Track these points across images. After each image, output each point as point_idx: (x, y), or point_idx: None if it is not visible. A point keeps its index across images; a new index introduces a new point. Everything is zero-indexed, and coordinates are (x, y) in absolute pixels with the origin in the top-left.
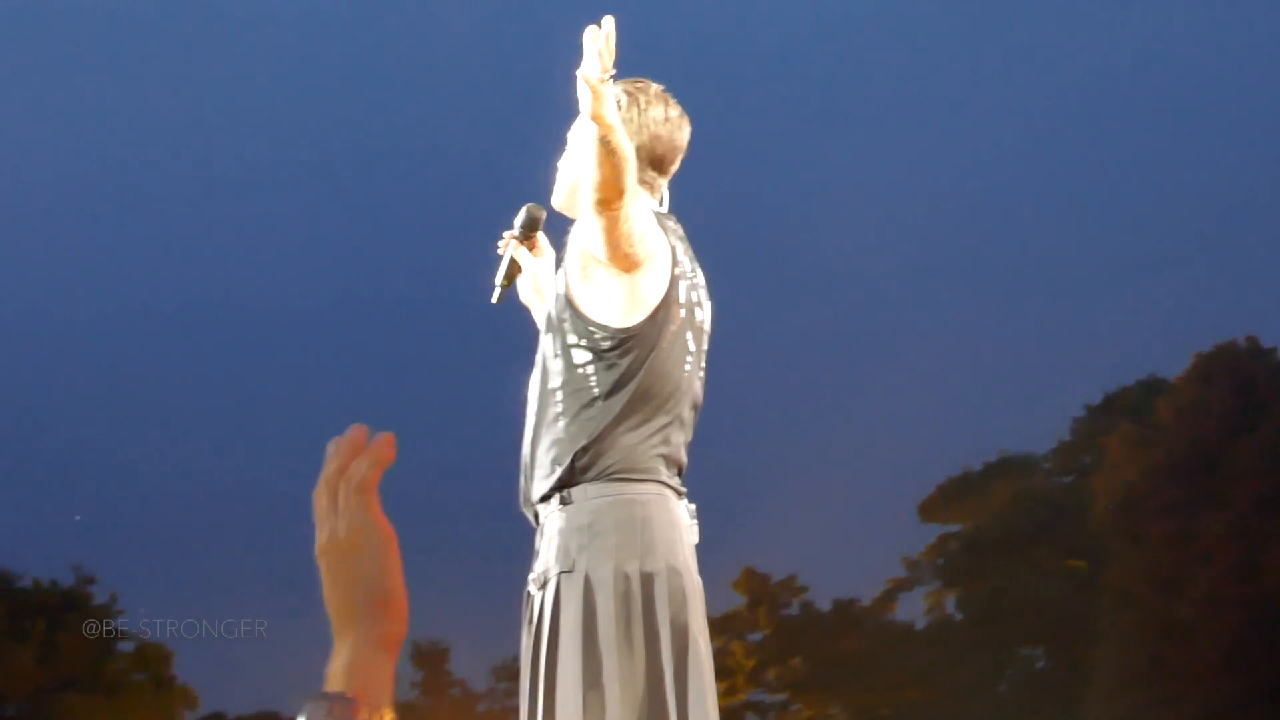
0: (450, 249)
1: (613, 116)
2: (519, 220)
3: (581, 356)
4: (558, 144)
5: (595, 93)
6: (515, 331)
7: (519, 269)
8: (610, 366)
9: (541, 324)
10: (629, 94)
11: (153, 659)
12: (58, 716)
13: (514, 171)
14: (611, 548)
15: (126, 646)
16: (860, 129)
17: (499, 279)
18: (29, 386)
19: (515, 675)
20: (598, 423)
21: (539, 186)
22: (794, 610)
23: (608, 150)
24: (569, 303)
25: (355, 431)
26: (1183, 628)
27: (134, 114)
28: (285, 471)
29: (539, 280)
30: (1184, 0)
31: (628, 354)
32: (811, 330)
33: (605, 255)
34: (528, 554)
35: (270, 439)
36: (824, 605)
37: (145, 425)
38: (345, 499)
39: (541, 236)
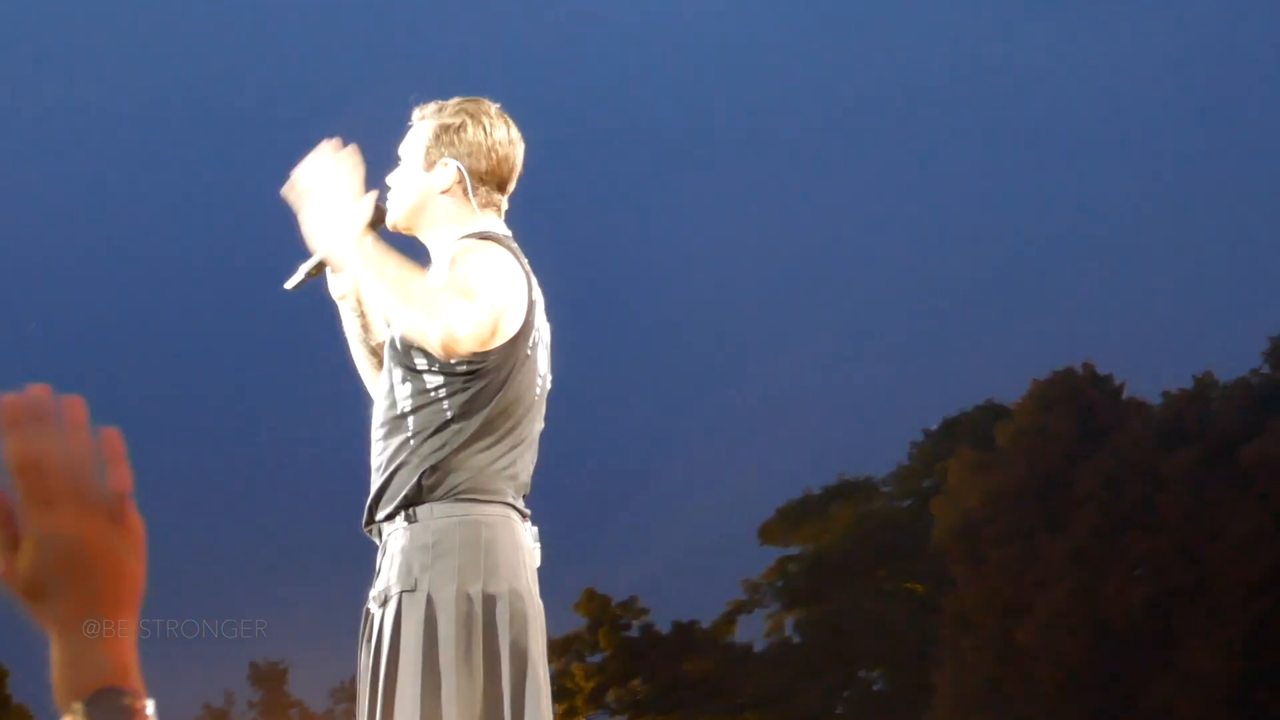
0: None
1: (351, 241)
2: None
3: (433, 380)
4: (391, 160)
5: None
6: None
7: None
8: (464, 390)
9: (388, 342)
10: (470, 115)
11: None
12: None
13: None
14: (455, 568)
15: None
16: (716, 162)
17: (307, 265)
18: None
19: (354, 696)
20: (449, 444)
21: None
22: (634, 632)
23: (400, 293)
24: None
25: (46, 401)
26: (1021, 652)
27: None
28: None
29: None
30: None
31: (483, 378)
32: (656, 353)
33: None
34: (369, 574)
35: None
36: (664, 627)
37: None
38: (102, 498)
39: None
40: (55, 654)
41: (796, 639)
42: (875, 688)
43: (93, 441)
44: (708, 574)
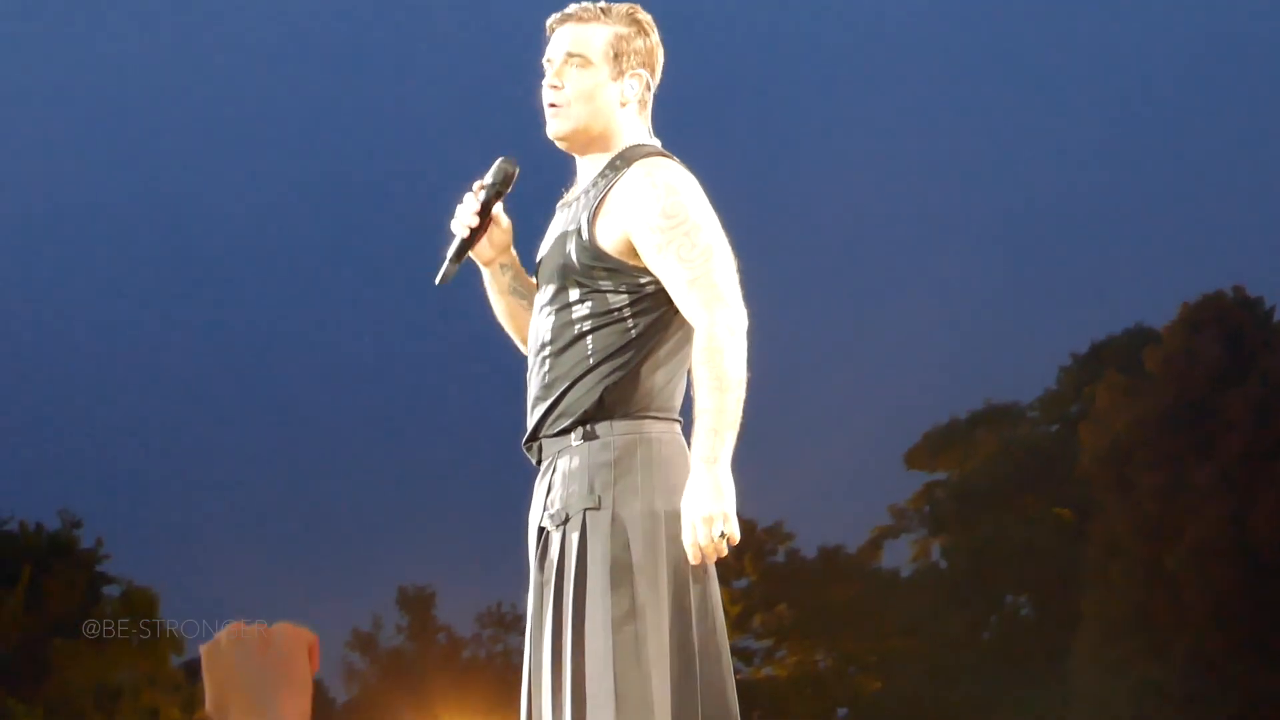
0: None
1: (730, 500)
2: (494, 175)
3: (618, 300)
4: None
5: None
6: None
7: (480, 238)
8: (651, 309)
9: (542, 275)
10: (639, 23)
11: (139, 603)
12: (45, 662)
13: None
14: (638, 485)
15: (113, 590)
16: (857, 80)
17: (451, 252)
18: (16, 335)
19: (500, 621)
20: (630, 362)
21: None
22: (780, 557)
23: (737, 395)
24: (600, 252)
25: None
26: (1170, 578)
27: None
28: (269, 415)
29: (494, 238)
30: None
31: (666, 295)
32: (800, 279)
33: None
34: (513, 500)
35: (247, 387)
36: (810, 553)
37: (131, 372)
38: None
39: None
40: None
41: (943, 565)
42: (1022, 613)
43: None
44: (853, 500)
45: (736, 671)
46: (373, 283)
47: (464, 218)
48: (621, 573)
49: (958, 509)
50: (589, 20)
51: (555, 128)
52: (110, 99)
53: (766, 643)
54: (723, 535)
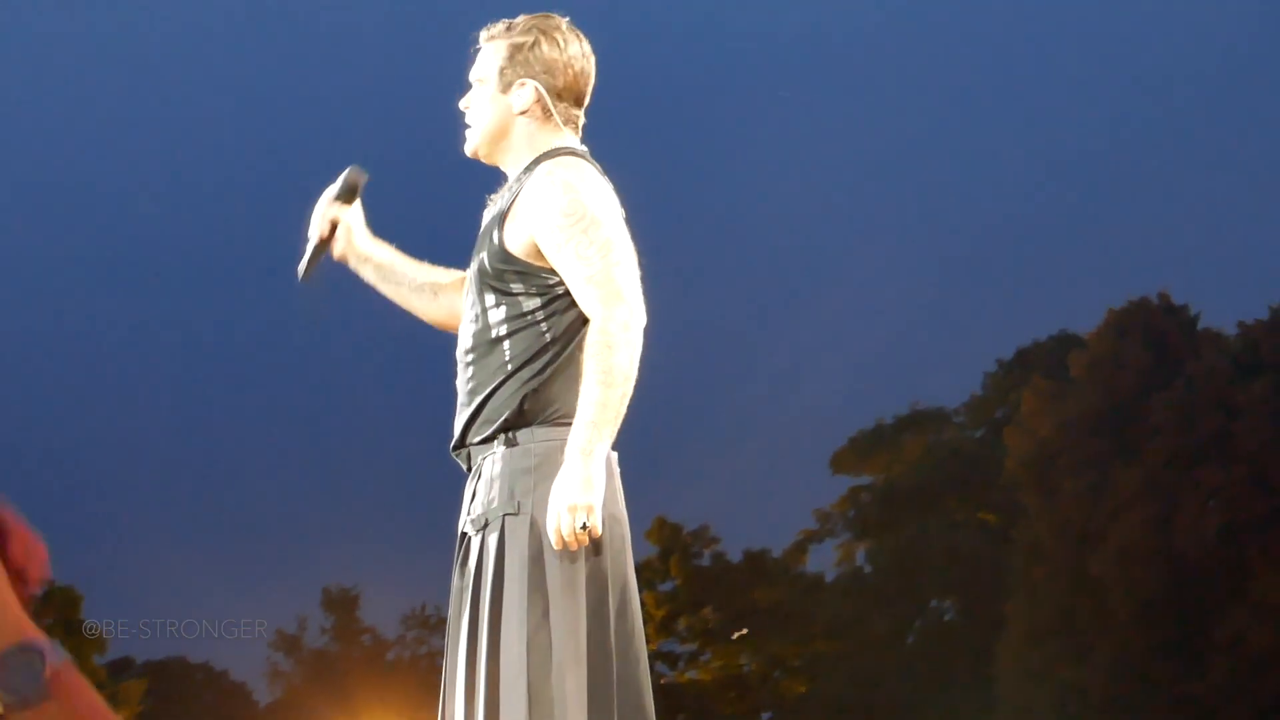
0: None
1: (599, 493)
2: (341, 184)
3: (530, 303)
4: (459, 87)
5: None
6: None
7: (331, 242)
8: (564, 311)
9: (467, 281)
10: (543, 31)
11: (62, 602)
12: None
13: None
14: None
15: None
16: (784, 82)
17: (307, 256)
18: None
19: (425, 623)
20: (548, 367)
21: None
22: (705, 560)
23: (621, 393)
24: (509, 256)
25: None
26: (1094, 582)
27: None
28: (196, 415)
29: (354, 231)
30: None
31: None
32: (727, 281)
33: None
34: (438, 502)
35: (172, 388)
36: (735, 556)
37: (51, 371)
38: None
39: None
40: None
41: (868, 569)
42: (946, 618)
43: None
44: (779, 503)
45: (661, 675)
46: (292, 282)
47: (315, 222)
48: (538, 578)
49: (883, 513)
50: (493, 38)
51: (466, 147)
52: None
53: (691, 646)
54: (585, 527)
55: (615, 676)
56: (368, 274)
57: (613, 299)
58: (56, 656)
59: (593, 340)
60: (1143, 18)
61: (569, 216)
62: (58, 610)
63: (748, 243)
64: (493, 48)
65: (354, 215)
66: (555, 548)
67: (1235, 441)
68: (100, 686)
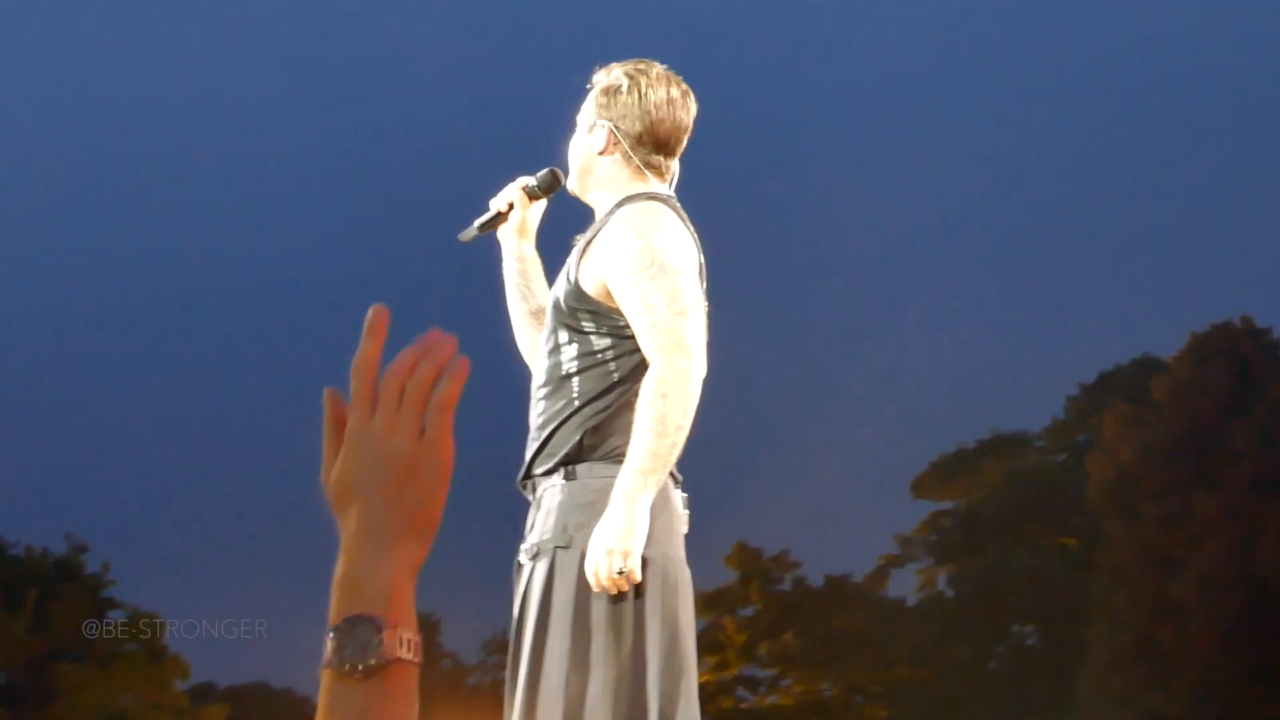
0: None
1: (639, 539)
2: (539, 177)
3: (601, 343)
4: (568, 128)
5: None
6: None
7: (505, 220)
8: (633, 353)
9: (545, 303)
10: (630, 77)
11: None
12: (50, 686)
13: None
14: None
15: (118, 615)
16: (862, 112)
17: (481, 220)
18: (24, 358)
19: (504, 648)
20: (612, 405)
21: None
22: (786, 586)
23: (675, 434)
24: (582, 295)
25: (433, 339)
26: (1176, 608)
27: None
28: (277, 440)
29: (528, 228)
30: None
31: None
32: (808, 307)
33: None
34: (519, 529)
35: (254, 414)
36: (816, 581)
37: (137, 397)
38: (420, 413)
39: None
40: (337, 569)
41: (949, 594)
42: (1028, 643)
43: (437, 371)
44: (860, 528)
45: (741, 700)
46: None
47: (501, 196)
48: (583, 611)
49: (964, 538)
50: (591, 87)
51: (569, 187)
52: None
53: (772, 671)
54: (621, 572)
55: (656, 714)
56: (511, 273)
57: (673, 349)
58: (400, 647)
59: (648, 387)
60: (1232, 39)
61: (639, 263)
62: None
63: (829, 266)
64: (589, 97)
65: (535, 212)
66: (594, 588)
67: None
68: (180, 713)
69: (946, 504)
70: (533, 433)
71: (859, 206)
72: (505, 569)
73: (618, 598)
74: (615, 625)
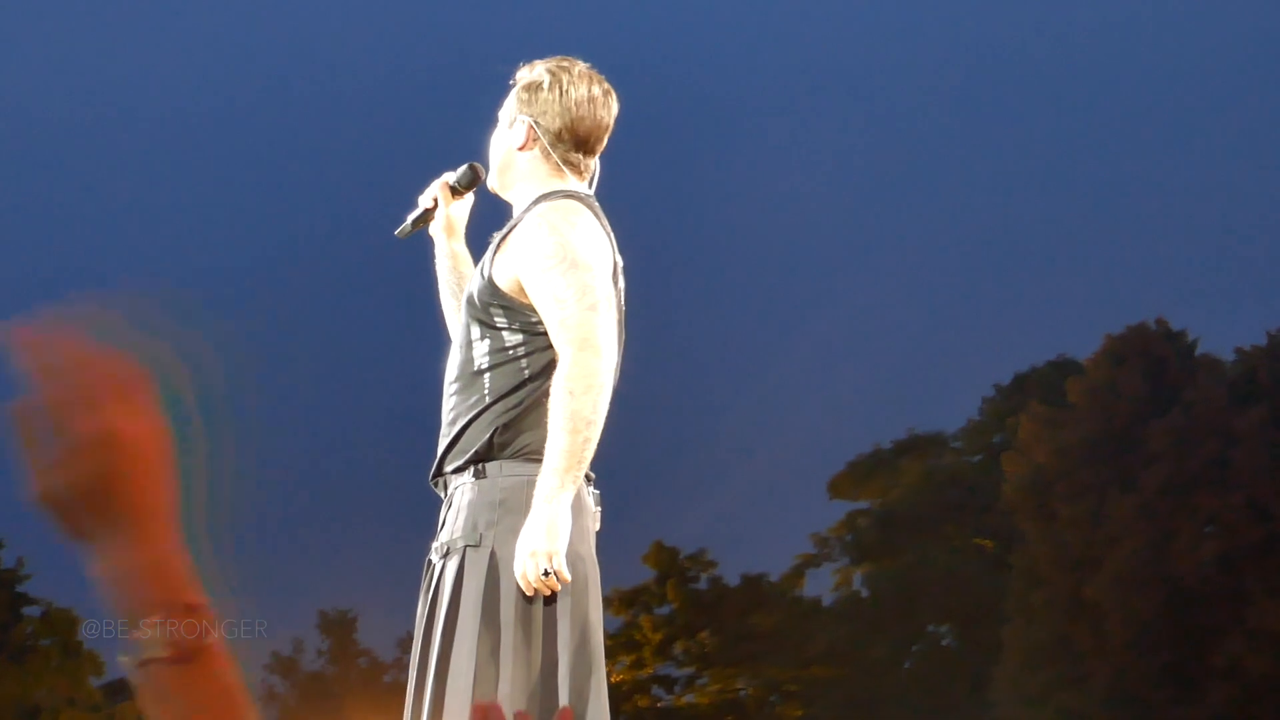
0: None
1: (563, 539)
2: (459, 173)
3: (513, 339)
4: (489, 121)
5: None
6: (426, 309)
7: (432, 217)
8: (544, 350)
9: (459, 299)
10: (552, 74)
11: (60, 624)
12: None
13: (443, 141)
14: (519, 527)
15: (33, 611)
16: (789, 103)
17: (412, 217)
18: None
19: None
20: (523, 403)
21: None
22: (703, 585)
23: (586, 435)
24: (496, 290)
25: None
26: (1091, 608)
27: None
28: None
29: (455, 225)
30: None
31: None
32: (725, 307)
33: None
34: (434, 527)
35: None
36: (733, 580)
37: None
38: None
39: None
40: (105, 571)
41: (865, 593)
42: (944, 643)
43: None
44: (776, 528)
45: (658, 699)
46: (291, 301)
47: (427, 193)
48: (492, 610)
49: (880, 537)
50: (514, 84)
51: (488, 183)
52: None
53: (688, 670)
54: (549, 573)
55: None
56: (443, 270)
57: (581, 344)
58: (207, 627)
59: (558, 385)
60: (1142, 42)
61: (551, 258)
62: (56, 631)
63: (745, 268)
64: (511, 93)
65: (461, 208)
66: (527, 592)
67: (1232, 468)
68: (95, 708)
69: (863, 504)
70: (444, 429)
71: (774, 208)
72: (422, 565)
73: (530, 596)
74: (525, 623)
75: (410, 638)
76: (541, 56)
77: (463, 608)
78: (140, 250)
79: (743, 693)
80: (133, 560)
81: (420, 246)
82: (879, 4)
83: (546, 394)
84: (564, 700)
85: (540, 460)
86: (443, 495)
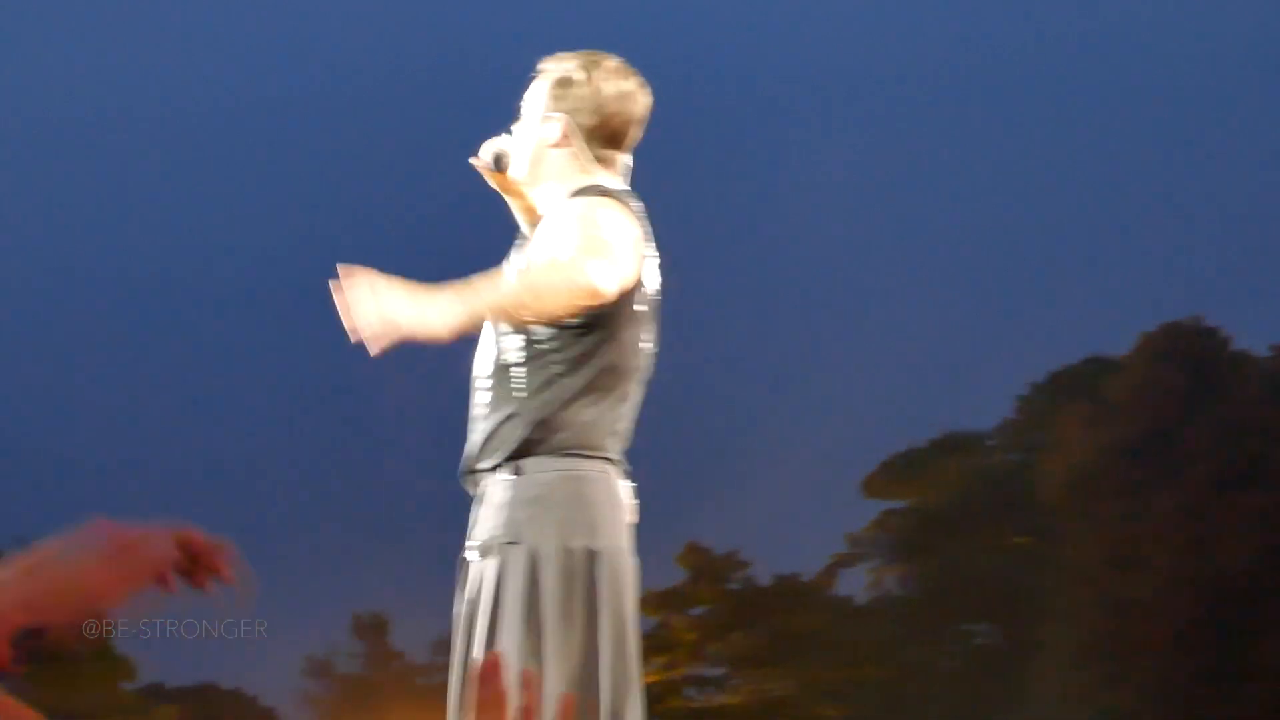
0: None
1: (453, 319)
2: (493, 155)
3: (542, 333)
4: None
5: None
6: None
7: (494, 176)
8: (574, 344)
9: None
10: (585, 69)
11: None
12: None
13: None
14: (558, 522)
15: None
16: (818, 111)
17: (492, 152)
18: None
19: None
20: (557, 398)
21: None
22: (736, 585)
23: (530, 302)
24: None
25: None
26: (1133, 607)
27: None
28: (222, 439)
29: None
30: None
31: (592, 332)
32: (760, 306)
33: None
34: (465, 525)
35: (195, 410)
36: (766, 580)
37: (88, 391)
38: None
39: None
40: None
41: (899, 593)
42: (982, 642)
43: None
44: (810, 527)
45: (691, 700)
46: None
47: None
48: (533, 608)
49: (915, 537)
50: (540, 75)
51: (511, 172)
52: None
53: (720, 670)
54: (372, 338)
55: (609, 710)
56: (523, 224)
57: (592, 256)
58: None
59: (546, 260)
60: (1178, 32)
61: (581, 212)
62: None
63: (782, 267)
64: (539, 84)
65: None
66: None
67: (1273, 464)
68: (129, 712)
69: (897, 503)
70: (475, 424)
71: (809, 211)
72: (455, 568)
73: (568, 592)
74: (566, 619)
75: (443, 641)
76: (547, 52)
77: (505, 607)
78: (154, 251)
79: (775, 693)
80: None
81: (438, 246)
82: (909, 9)
83: (578, 389)
84: (605, 696)
85: (577, 455)
86: (473, 492)
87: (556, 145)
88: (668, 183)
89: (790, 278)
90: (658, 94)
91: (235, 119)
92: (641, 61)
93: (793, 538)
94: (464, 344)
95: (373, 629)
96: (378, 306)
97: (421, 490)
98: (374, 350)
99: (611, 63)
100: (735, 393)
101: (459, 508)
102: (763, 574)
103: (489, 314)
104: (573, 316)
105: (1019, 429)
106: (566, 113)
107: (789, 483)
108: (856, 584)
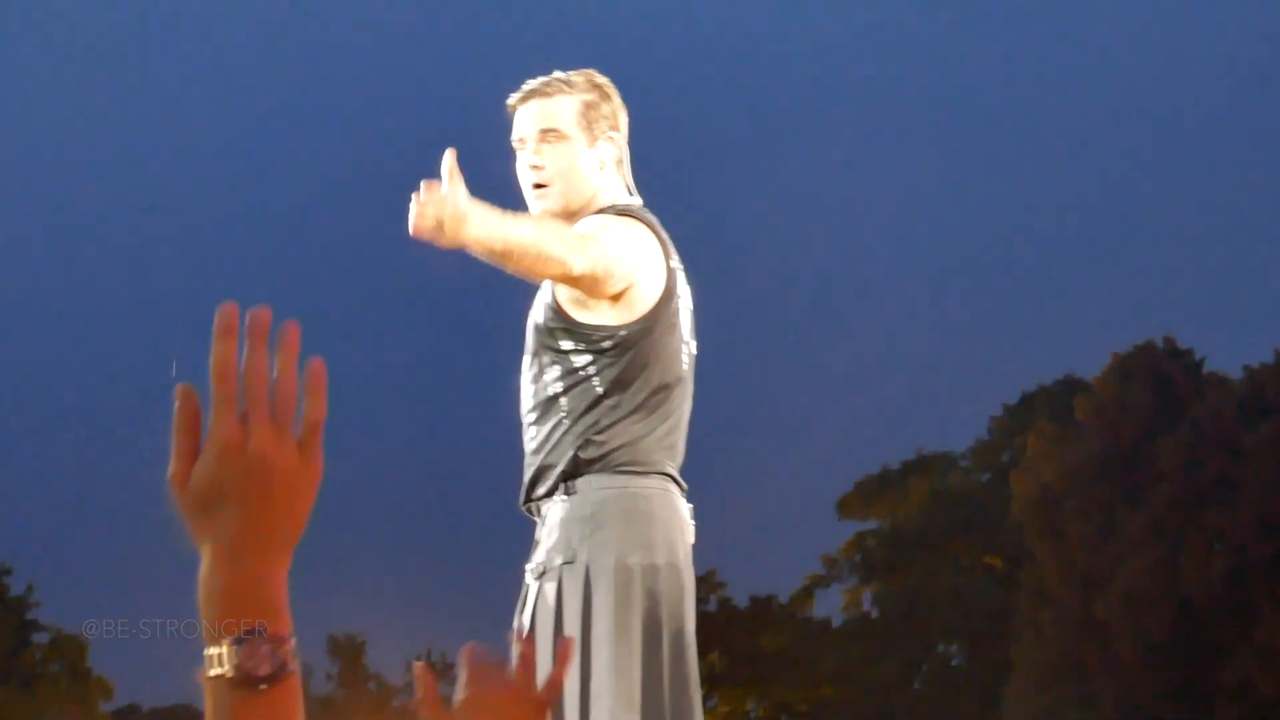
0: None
1: (487, 228)
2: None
3: (581, 359)
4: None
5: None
6: (437, 327)
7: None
8: (612, 364)
9: (530, 327)
10: (602, 88)
11: (68, 650)
12: None
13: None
14: (614, 539)
15: (42, 637)
16: (801, 129)
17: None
18: None
19: (431, 669)
20: (603, 418)
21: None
22: (711, 606)
23: (520, 254)
24: (558, 313)
25: (285, 336)
26: (1101, 626)
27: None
28: None
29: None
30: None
31: (629, 350)
32: (734, 328)
33: (592, 303)
34: (443, 549)
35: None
36: (741, 601)
37: (57, 419)
38: (291, 425)
39: None
40: (210, 578)
41: (874, 613)
42: (953, 662)
43: (297, 369)
44: (785, 548)
45: None
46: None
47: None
48: (591, 625)
49: (889, 557)
50: (554, 94)
51: (544, 208)
52: None
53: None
54: (436, 218)
55: None
56: None
57: (601, 234)
58: (294, 658)
59: (559, 224)
60: (1149, 59)
61: (595, 224)
62: (64, 657)
63: (753, 290)
64: (561, 103)
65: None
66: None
67: (1241, 485)
68: None
69: (871, 523)
70: (528, 458)
71: (786, 236)
72: (429, 591)
73: (626, 608)
74: (625, 636)
75: (420, 661)
76: (543, 66)
77: (566, 627)
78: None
79: (753, 713)
80: (238, 574)
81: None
82: (888, 26)
83: (623, 407)
84: (668, 713)
85: (630, 472)
86: (536, 518)
87: (604, 166)
88: (648, 202)
89: (766, 301)
90: (671, 101)
91: (235, 127)
92: (627, 75)
93: (768, 559)
94: (453, 368)
95: (348, 649)
96: (452, 189)
97: (398, 511)
98: (423, 220)
99: (607, 79)
100: (710, 414)
101: (436, 529)
102: (739, 595)
103: (502, 245)
104: (534, 280)
105: (990, 449)
106: (609, 133)
107: (764, 504)
108: (831, 604)
